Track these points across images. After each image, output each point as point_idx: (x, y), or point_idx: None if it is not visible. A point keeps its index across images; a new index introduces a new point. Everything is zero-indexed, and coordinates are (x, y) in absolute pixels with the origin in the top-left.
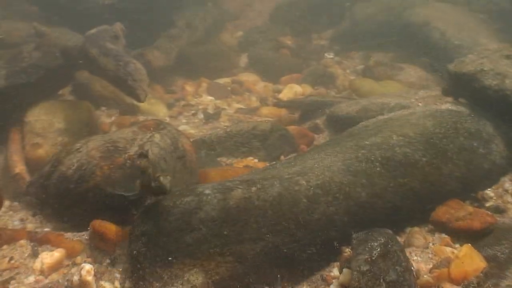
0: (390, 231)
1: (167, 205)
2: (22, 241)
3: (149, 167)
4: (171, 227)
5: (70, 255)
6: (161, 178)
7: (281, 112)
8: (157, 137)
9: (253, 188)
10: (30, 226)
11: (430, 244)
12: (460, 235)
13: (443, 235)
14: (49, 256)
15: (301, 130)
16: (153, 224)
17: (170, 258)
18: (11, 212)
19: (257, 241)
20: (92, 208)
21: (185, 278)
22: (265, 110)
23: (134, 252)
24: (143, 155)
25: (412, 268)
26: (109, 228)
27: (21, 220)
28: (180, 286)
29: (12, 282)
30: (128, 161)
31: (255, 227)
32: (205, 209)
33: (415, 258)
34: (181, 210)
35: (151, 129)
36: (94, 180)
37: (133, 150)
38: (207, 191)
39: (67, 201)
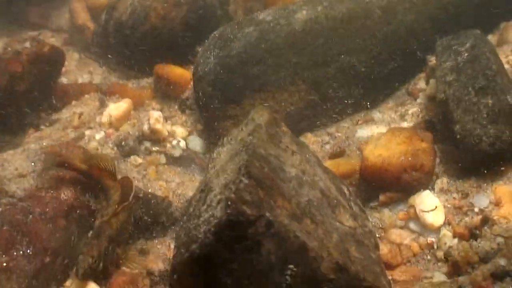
0: (478, 31)
1: (228, 38)
2: (90, 95)
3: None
4: (234, 61)
5: (137, 104)
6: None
7: None
8: None
9: (319, 7)
10: (97, 78)
11: None
12: None
13: None
14: (115, 108)
15: None
16: (215, 61)
17: (238, 95)
18: (80, 66)
19: (330, 63)
20: (153, 53)
21: (249, 117)
22: None
23: (200, 93)
24: None
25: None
26: (173, 71)
27: (90, 73)
28: (244, 127)
29: (84, 138)
30: None
31: (326, 49)
32: (269, 37)
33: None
34: (243, 43)
35: None
36: (149, 22)
37: None
38: (268, 18)
39: (127, 48)
